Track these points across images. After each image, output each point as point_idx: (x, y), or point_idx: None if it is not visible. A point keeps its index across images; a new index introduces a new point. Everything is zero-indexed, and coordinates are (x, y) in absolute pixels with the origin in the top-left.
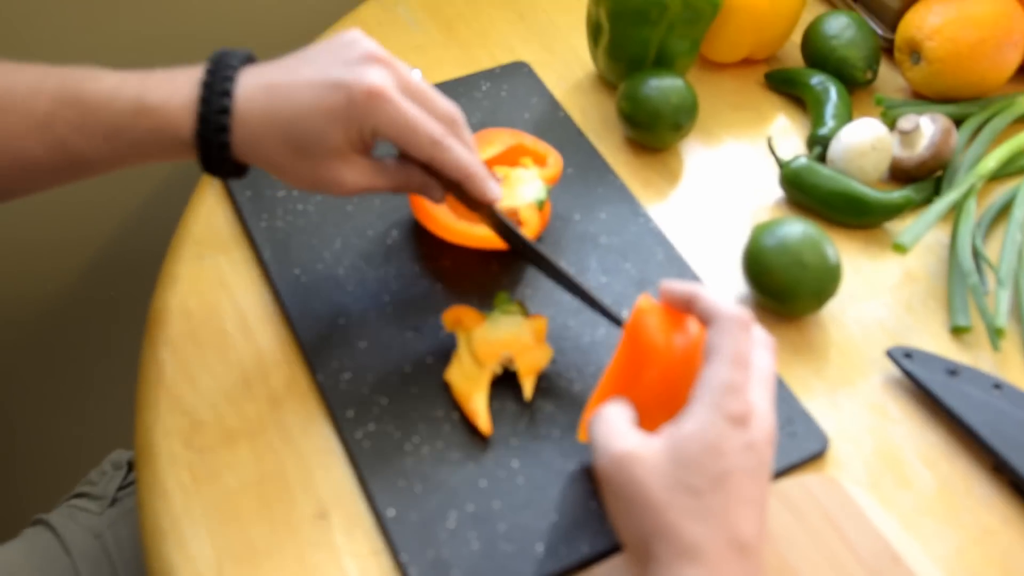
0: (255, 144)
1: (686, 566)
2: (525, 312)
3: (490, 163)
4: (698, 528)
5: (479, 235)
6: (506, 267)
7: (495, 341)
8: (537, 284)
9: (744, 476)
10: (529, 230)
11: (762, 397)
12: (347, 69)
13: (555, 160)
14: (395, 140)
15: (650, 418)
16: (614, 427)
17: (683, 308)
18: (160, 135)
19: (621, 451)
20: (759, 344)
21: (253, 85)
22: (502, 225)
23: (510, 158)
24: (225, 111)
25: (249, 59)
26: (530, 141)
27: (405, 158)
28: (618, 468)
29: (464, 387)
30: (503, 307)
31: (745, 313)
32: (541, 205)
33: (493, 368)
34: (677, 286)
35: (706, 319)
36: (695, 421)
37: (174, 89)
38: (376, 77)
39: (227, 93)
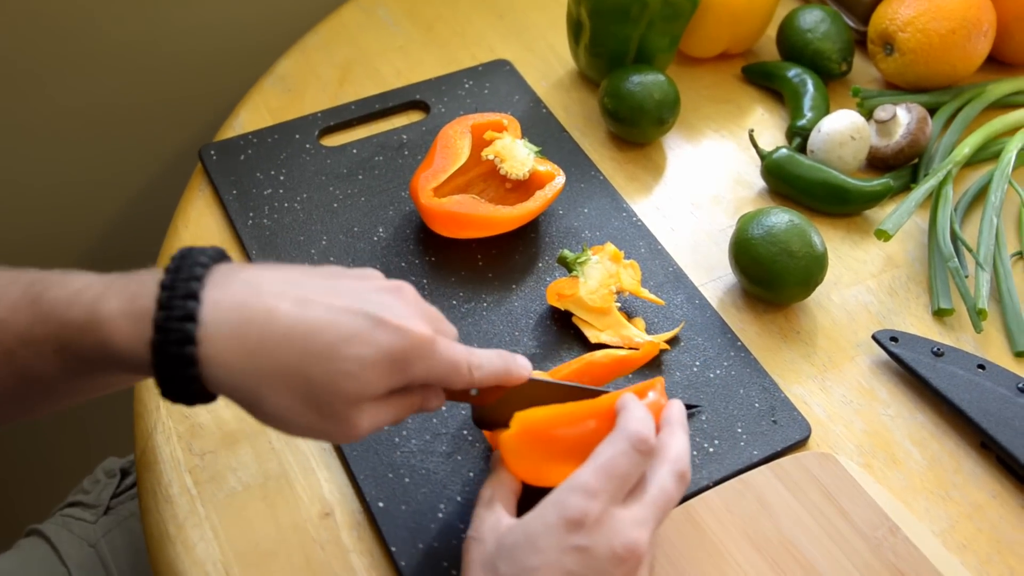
0: (238, 381)
1: None
2: None
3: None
4: None
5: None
6: (490, 260)
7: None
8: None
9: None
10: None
11: (638, 514)
12: (383, 306)
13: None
14: (438, 381)
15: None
16: (480, 511)
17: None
18: (106, 353)
19: (469, 535)
20: (665, 467)
21: (241, 294)
22: (542, 385)
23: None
24: (190, 318)
25: (220, 257)
26: (486, 118)
27: None
28: (464, 550)
29: None
30: None
31: (640, 434)
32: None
33: None
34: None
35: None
36: (532, 513)
37: (130, 295)
38: (421, 322)
39: (193, 295)
